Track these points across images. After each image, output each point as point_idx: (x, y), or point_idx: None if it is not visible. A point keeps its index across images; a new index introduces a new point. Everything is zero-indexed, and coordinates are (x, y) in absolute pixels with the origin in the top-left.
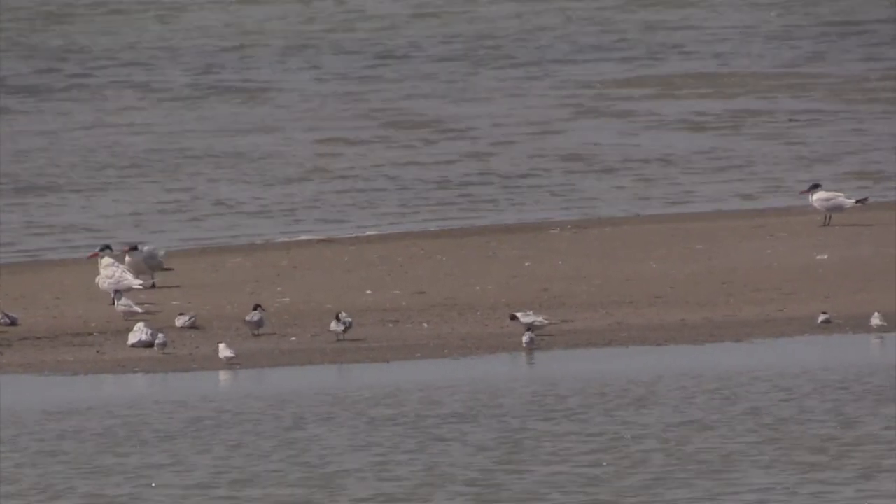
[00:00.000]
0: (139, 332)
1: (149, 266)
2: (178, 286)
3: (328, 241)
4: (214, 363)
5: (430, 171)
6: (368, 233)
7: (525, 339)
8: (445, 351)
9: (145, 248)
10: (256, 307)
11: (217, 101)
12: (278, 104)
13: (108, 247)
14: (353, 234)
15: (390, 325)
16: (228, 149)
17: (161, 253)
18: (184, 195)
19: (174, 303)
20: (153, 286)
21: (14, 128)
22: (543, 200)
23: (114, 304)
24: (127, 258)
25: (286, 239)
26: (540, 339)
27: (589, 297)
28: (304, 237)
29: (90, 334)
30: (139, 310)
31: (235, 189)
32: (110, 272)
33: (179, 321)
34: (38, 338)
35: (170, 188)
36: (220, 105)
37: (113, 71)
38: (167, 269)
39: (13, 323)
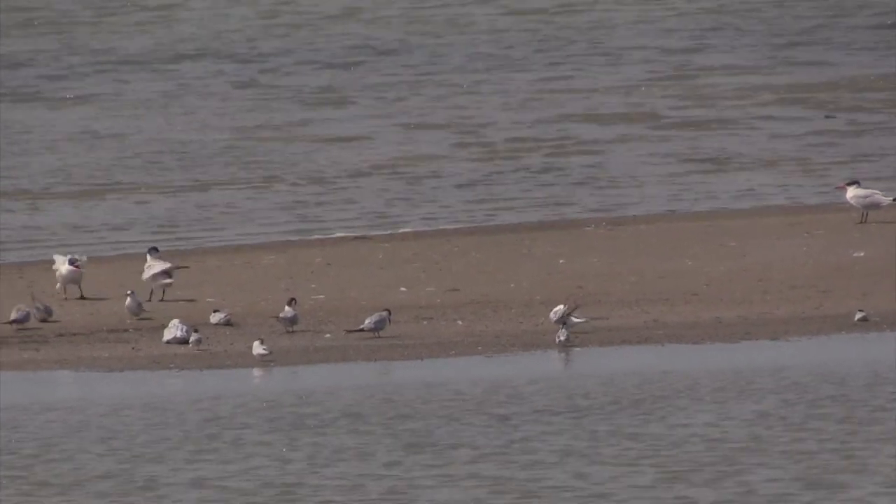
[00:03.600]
0: (174, 329)
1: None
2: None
3: (363, 239)
4: (249, 360)
5: (463, 167)
6: (403, 230)
7: (560, 336)
8: (479, 348)
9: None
10: (291, 301)
11: (239, 97)
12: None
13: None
14: (388, 232)
15: (424, 323)
16: (252, 146)
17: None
18: (216, 194)
19: (209, 300)
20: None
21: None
22: (578, 197)
23: (150, 299)
24: (148, 258)
25: (321, 236)
26: (574, 337)
27: (624, 294)
28: (338, 234)
29: (126, 331)
30: (146, 309)
31: (267, 186)
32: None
33: (214, 318)
34: (75, 334)
35: (203, 185)
36: (244, 102)
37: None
38: (182, 268)
39: (48, 313)
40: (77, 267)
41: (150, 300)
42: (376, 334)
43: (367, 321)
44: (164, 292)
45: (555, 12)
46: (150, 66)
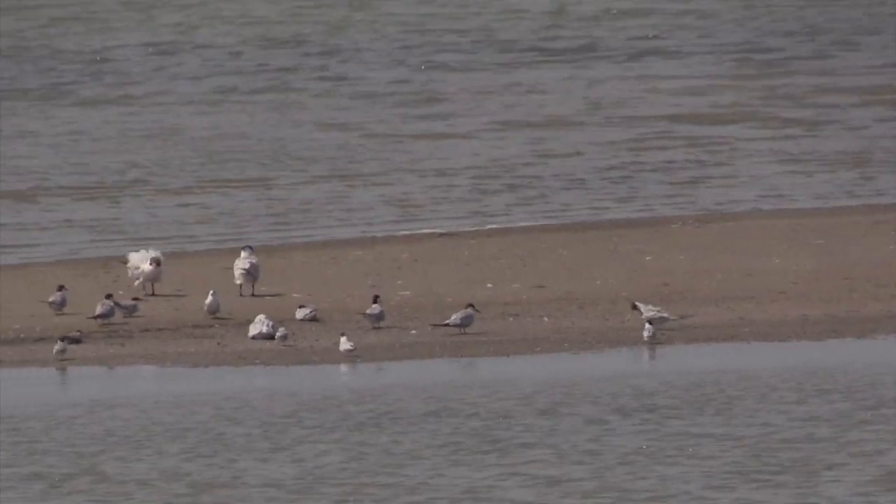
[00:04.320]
0: (260, 325)
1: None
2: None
3: (449, 235)
4: (334, 356)
5: (551, 164)
6: (489, 226)
7: (646, 333)
8: (566, 345)
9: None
10: (377, 297)
11: (311, 95)
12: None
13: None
14: (474, 228)
15: (510, 319)
16: (340, 143)
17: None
18: (306, 190)
19: (295, 295)
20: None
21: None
22: (664, 194)
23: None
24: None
25: (407, 232)
26: (661, 334)
27: (710, 291)
28: (425, 231)
29: (211, 326)
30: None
31: (356, 182)
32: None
33: (300, 314)
34: (160, 329)
35: (292, 184)
36: (322, 101)
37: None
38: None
39: (134, 309)
40: (157, 265)
41: (245, 294)
42: (462, 330)
43: (453, 317)
44: (252, 287)
45: (658, 8)
46: (241, 59)
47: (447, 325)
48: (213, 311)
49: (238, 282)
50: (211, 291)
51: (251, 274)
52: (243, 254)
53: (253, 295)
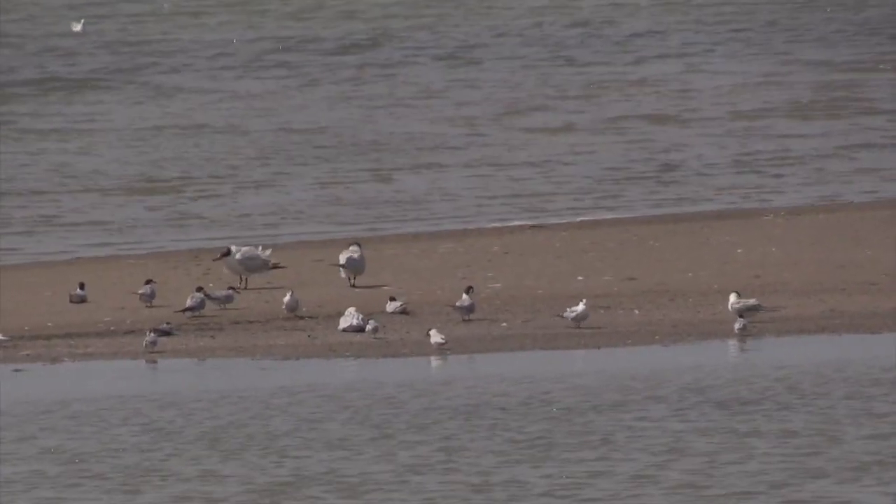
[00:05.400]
0: (350, 317)
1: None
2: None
3: (540, 227)
4: (425, 348)
5: (641, 156)
6: (580, 219)
7: (737, 325)
8: (657, 337)
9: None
10: (468, 289)
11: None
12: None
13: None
14: (565, 220)
15: (601, 311)
16: (425, 135)
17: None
18: (394, 183)
19: (385, 288)
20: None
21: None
22: (755, 185)
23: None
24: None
25: (498, 225)
26: (752, 326)
27: (801, 283)
28: (515, 223)
29: (301, 318)
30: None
31: (442, 175)
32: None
33: (390, 307)
34: (251, 322)
35: (378, 176)
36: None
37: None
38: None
39: (229, 299)
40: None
41: (353, 285)
42: (578, 325)
43: (568, 311)
44: (353, 279)
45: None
46: (345, 53)
47: (562, 316)
48: (292, 309)
49: (343, 275)
50: (290, 292)
51: (349, 267)
52: (351, 248)
53: (353, 286)
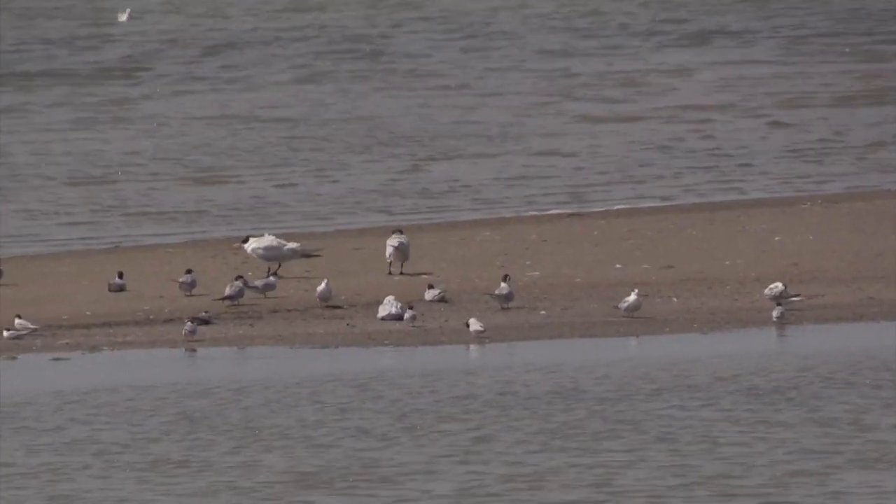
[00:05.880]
0: (389, 306)
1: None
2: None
3: (577, 216)
4: (463, 336)
5: (678, 145)
6: (618, 207)
7: (775, 313)
8: (695, 325)
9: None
10: (506, 277)
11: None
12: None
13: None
14: (603, 209)
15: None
16: (475, 125)
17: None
18: (431, 173)
19: (424, 276)
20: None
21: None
22: (792, 173)
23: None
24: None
25: (536, 213)
26: (790, 314)
27: (839, 272)
28: (553, 211)
29: (340, 307)
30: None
31: (483, 164)
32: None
33: (429, 295)
34: (289, 310)
35: (414, 163)
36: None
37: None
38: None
39: (269, 287)
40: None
41: (394, 273)
42: (631, 314)
43: (623, 302)
44: (402, 265)
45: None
46: (397, 50)
47: (616, 307)
48: (326, 298)
49: (388, 260)
50: (324, 280)
51: (400, 251)
52: (395, 234)
53: (394, 273)
